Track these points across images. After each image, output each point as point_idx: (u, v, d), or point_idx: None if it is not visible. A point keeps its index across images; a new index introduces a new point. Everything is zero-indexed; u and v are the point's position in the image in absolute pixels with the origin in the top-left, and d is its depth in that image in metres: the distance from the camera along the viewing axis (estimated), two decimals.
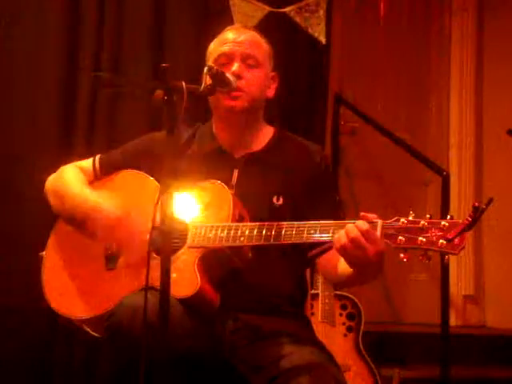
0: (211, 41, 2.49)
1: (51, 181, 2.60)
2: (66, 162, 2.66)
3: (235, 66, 2.36)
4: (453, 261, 4.17)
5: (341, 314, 3.57)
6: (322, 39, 4.01)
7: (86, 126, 3.74)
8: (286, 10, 3.98)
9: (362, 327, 3.54)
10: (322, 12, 4.01)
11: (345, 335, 3.53)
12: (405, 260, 2.01)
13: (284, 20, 3.98)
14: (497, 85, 4.95)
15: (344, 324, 3.55)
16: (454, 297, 4.57)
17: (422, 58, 5.20)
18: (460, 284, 4.63)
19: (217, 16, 3.80)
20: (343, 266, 2.19)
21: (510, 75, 4.86)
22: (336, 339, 3.44)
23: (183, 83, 1.93)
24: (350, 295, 3.59)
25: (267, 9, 3.88)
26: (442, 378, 3.85)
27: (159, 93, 1.92)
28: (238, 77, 2.33)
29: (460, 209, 4.63)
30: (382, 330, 4.27)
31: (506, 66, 4.88)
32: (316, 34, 4.04)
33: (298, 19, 3.99)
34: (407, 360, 4.17)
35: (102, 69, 3.75)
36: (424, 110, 5.21)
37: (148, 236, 2.20)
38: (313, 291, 3.38)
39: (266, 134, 2.53)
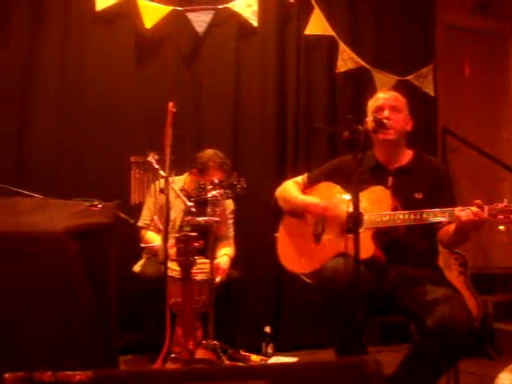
0: (369, 100, 3.06)
1: (279, 191, 3.20)
2: (281, 179, 3.33)
3: (386, 113, 2.86)
4: None
5: (454, 264, 4.16)
6: (431, 93, 5.06)
7: (293, 155, 4.75)
8: (408, 77, 5.00)
9: (469, 271, 4.13)
10: (430, 77, 5.01)
11: (457, 276, 4.14)
12: (501, 229, 2.48)
13: (407, 84, 4.95)
14: None
15: (457, 269, 4.15)
16: None
17: (499, 97, 5.75)
18: None
19: (366, 87, 4.83)
20: (449, 235, 2.67)
21: None
22: (453, 279, 3.77)
23: (361, 127, 2.38)
24: (460, 251, 4.13)
25: (397, 78, 4.94)
26: None
27: (346, 134, 2.38)
28: (388, 118, 2.79)
29: None
30: (480, 271, 4.63)
31: None
32: (427, 91, 5.04)
33: (415, 83, 5.01)
34: (497, 290, 4.86)
35: (313, 119, 4.67)
36: (500, 132, 5.72)
37: (341, 220, 2.80)
38: None
39: (408, 154, 2.99)
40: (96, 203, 2.31)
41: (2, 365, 1.86)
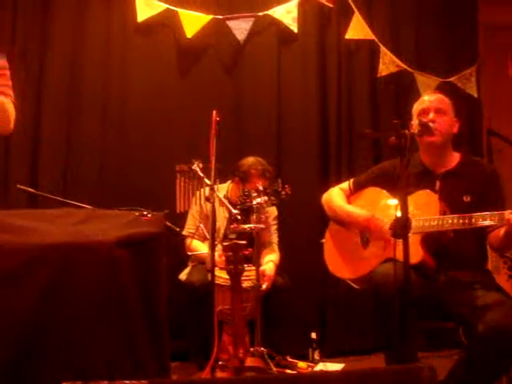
0: (411, 105, 3.10)
1: (325, 197, 3.25)
2: (324, 185, 3.50)
3: (431, 115, 2.89)
4: None
5: (503, 267, 4.29)
6: (475, 94, 4.96)
7: (336, 160, 4.74)
8: (451, 79, 4.92)
9: None
10: (473, 79, 4.93)
11: (507, 280, 4.28)
12: None
13: (450, 85, 4.86)
14: None
15: (506, 273, 4.29)
16: None
17: None
18: None
19: (408, 90, 4.80)
20: (500, 239, 2.71)
21: None
22: (502, 283, 3.72)
23: (407, 132, 2.42)
24: (509, 255, 4.25)
25: (439, 80, 4.87)
26: None
27: (393, 139, 2.42)
28: (433, 121, 2.81)
29: None
30: None
31: None
32: (471, 92, 4.97)
33: (459, 84, 4.92)
34: None
35: (355, 124, 4.68)
36: None
37: (387, 226, 2.81)
38: None
39: (455, 157, 2.99)
40: (146, 213, 2.33)
41: (57, 374, 1.91)
